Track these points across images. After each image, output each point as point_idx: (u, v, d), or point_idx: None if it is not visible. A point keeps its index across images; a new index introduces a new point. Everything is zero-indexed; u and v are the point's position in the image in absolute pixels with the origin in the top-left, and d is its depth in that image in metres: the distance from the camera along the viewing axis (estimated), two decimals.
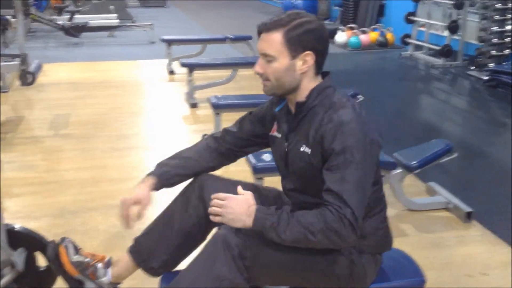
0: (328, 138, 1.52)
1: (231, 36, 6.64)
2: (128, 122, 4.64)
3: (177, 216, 1.81)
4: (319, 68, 1.63)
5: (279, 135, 1.73)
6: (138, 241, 1.84)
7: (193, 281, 1.53)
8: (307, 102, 1.61)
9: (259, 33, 1.60)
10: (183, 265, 1.88)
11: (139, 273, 1.86)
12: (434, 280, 2.35)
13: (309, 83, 1.61)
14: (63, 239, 1.81)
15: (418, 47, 7.74)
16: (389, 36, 8.39)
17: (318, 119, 1.57)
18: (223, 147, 1.87)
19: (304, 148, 1.60)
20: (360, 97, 4.08)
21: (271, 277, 1.60)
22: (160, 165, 1.85)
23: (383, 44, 8.35)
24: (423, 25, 7.74)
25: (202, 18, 11.58)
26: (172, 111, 4.99)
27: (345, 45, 8.42)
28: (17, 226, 2.03)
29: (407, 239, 2.72)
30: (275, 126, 1.76)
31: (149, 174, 1.82)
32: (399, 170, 2.90)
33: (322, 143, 1.53)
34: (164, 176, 1.81)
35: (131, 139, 4.21)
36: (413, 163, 2.88)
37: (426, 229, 2.84)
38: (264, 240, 1.54)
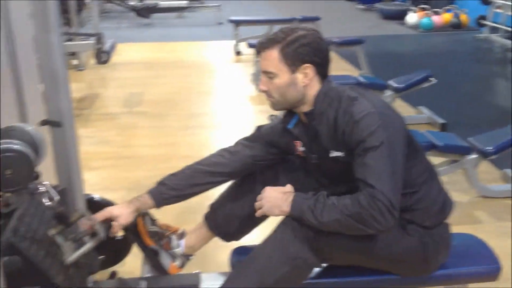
0: (347, 131, 1.54)
1: (298, 17, 6.59)
2: (198, 101, 4.74)
3: (248, 184, 1.86)
4: (323, 76, 1.63)
5: (304, 149, 1.74)
6: (213, 207, 1.92)
7: (267, 259, 1.57)
8: (315, 109, 1.63)
9: (258, 52, 1.64)
10: (251, 237, 1.93)
11: (210, 246, 1.92)
12: (508, 269, 2.27)
13: (314, 93, 1.63)
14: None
15: (494, 29, 7.39)
16: (463, 17, 8.06)
17: (332, 120, 1.59)
18: (238, 162, 1.85)
19: (333, 154, 1.62)
20: (433, 80, 3.97)
21: (344, 257, 1.62)
22: (160, 183, 1.86)
23: (456, 26, 8.03)
24: (500, 6, 7.38)
25: None
26: (239, 92, 5.04)
27: (416, 26, 8.17)
28: (96, 196, 2.13)
29: (481, 226, 2.64)
30: (297, 144, 1.76)
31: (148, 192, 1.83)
32: (474, 156, 2.82)
33: (345, 138, 1.55)
34: (160, 196, 1.82)
35: (200, 118, 4.31)
36: (488, 148, 2.79)
37: (501, 217, 2.75)
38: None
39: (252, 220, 1.87)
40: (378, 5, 9.32)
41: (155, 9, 8.58)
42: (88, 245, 1.60)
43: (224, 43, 6.98)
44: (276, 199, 1.58)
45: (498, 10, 7.39)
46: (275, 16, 8.19)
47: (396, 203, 1.46)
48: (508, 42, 6.92)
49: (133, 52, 6.56)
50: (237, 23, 6.54)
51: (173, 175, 1.85)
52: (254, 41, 5.48)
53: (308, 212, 1.52)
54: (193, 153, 3.53)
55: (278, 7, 10.16)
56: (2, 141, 1.48)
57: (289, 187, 1.61)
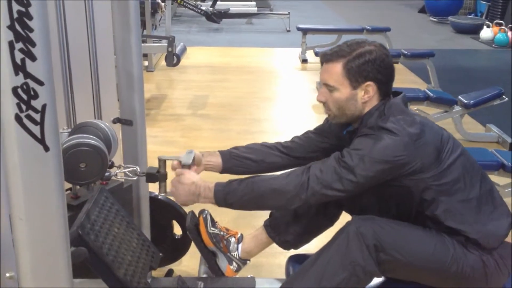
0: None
1: (368, 27, 6.53)
2: (261, 107, 4.79)
3: None
4: (384, 95, 1.62)
5: None
6: (274, 215, 1.92)
7: (326, 264, 1.57)
8: (358, 129, 1.63)
9: (322, 63, 1.64)
10: (309, 246, 1.94)
11: (266, 253, 1.94)
12: None
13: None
14: (202, 211, 1.92)
15: None
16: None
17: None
18: (291, 150, 1.88)
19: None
20: (505, 98, 3.83)
21: (404, 272, 1.60)
22: (232, 148, 1.90)
23: (503, 44, 7.72)
24: None
25: (340, 7, 11.47)
26: (303, 99, 5.05)
27: (490, 42, 7.90)
28: (160, 195, 2.20)
29: None
30: None
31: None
32: None
33: None
34: (229, 154, 1.83)
35: (263, 124, 4.35)
36: None
37: None
38: (401, 235, 1.56)
39: (313, 230, 1.89)
40: (451, 18, 9.06)
41: (225, 15, 8.73)
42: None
43: (291, 51, 7.01)
44: (187, 191, 1.61)
45: None
46: (344, 26, 8.14)
47: (316, 190, 1.51)
48: None
49: (201, 56, 6.71)
50: (305, 31, 6.55)
51: (243, 146, 1.89)
52: (320, 50, 5.47)
53: (231, 190, 1.57)
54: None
55: (346, 16, 10.09)
56: (78, 135, 1.57)
57: (192, 175, 1.64)
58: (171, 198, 1.79)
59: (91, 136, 1.56)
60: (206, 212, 1.92)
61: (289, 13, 8.83)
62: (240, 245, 1.92)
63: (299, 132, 4.57)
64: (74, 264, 1.20)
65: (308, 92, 5.30)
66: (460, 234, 1.58)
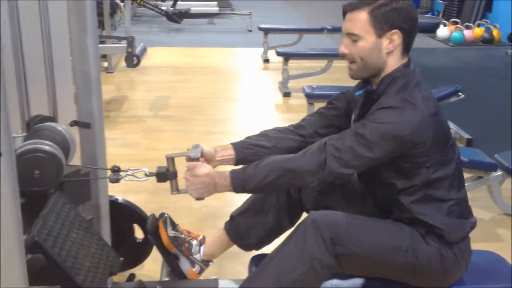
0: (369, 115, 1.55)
1: (328, 27, 6.59)
2: (224, 107, 4.78)
3: (273, 197, 1.85)
4: (407, 48, 1.60)
5: (353, 118, 1.73)
6: (234, 219, 1.90)
7: (284, 260, 1.57)
8: (377, 90, 1.60)
9: (344, 13, 1.60)
10: (273, 246, 1.94)
11: (228, 253, 1.94)
12: None
13: (393, 65, 1.59)
14: (162, 214, 1.90)
15: None
16: (495, 32, 7.96)
17: (378, 104, 1.57)
18: (304, 131, 1.83)
19: (353, 124, 1.62)
20: (461, 95, 3.93)
21: (361, 266, 1.62)
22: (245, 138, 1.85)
23: (488, 41, 7.93)
24: None
25: (301, 7, 11.55)
26: (265, 99, 5.07)
27: (447, 40, 8.10)
28: (120, 198, 2.17)
29: (503, 245, 2.60)
30: (352, 112, 1.75)
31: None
32: (499, 173, 2.78)
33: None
34: (241, 145, 1.78)
35: (225, 124, 4.35)
36: None
37: None
38: (357, 227, 1.57)
39: (276, 231, 1.88)
40: None
41: (186, 15, 8.67)
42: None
43: (252, 50, 7.02)
44: (202, 183, 1.60)
45: None
46: (304, 25, 8.21)
47: (333, 168, 1.51)
48: None
49: (162, 56, 6.65)
50: (266, 31, 6.58)
51: (255, 134, 1.85)
52: (282, 49, 5.51)
53: (248, 176, 1.56)
54: None
55: (307, 16, 10.17)
56: (32, 141, 1.53)
57: (205, 167, 1.62)
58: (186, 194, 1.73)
59: (47, 142, 1.52)
60: (166, 215, 1.90)
61: (250, 13, 8.85)
62: (202, 247, 1.91)
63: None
64: (30, 272, 1.17)
65: (270, 91, 5.32)
66: (424, 224, 1.59)
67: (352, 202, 1.81)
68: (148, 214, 1.97)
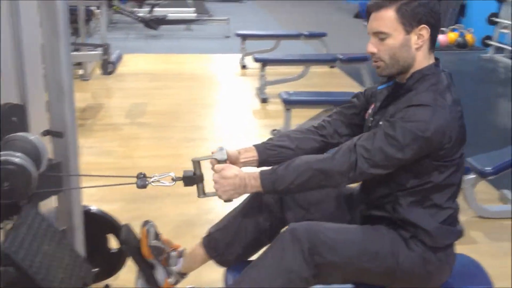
0: (397, 111, 1.54)
1: (305, 33, 6.64)
2: (202, 113, 4.77)
3: (253, 214, 1.83)
4: (433, 43, 1.60)
5: (370, 112, 1.72)
6: (213, 236, 1.86)
7: (261, 272, 1.57)
8: (406, 84, 1.60)
9: (369, 13, 1.59)
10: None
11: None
12: None
13: (422, 61, 1.59)
14: (146, 222, 1.87)
15: (499, 50, 7.42)
16: (469, 37, 8.09)
17: (405, 100, 1.56)
18: (325, 131, 1.82)
19: (382, 121, 1.60)
20: None
21: (340, 274, 1.61)
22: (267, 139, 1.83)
23: (462, 45, 8.06)
24: (506, 27, 7.41)
25: (278, 13, 11.62)
26: (243, 105, 5.08)
27: None
28: (94, 208, 2.15)
29: (477, 247, 2.64)
30: (371, 106, 1.74)
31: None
32: (472, 176, 2.82)
33: (393, 116, 1.55)
34: (263, 146, 1.77)
35: (203, 131, 4.34)
36: (487, 169, 2.80)
37: (497, 237, 2.76)
38: (335, 236, 1.57)
39: (254, 248, 1.85)
40: None
41: (163, 21, 8.64)
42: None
43: (230, 57, 7.03)
44: (232, 184, 1.59)
45: (503, 31, 7.42)
46: (282, 31, 8.24)
47: (363, 169, 1.51)
48: None
49: (139, 63, 6.62)
50: (244, 37, 6.59)
51: (276, 136, 1.83)
52: (259, 56, 5.52)
53: (278, 177, 1.56)
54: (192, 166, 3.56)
55: (285, 22, 10.23)
56: (2, 152, 1.50)
57: (232, 169, 1.61)
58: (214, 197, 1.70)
59: (17, 154, 1.49)
60: (151, 223, 1.87)
61: (228, 19, 8.86)
62: (181, 260, 1.89)
63: (241, 139, 4.61)
64: (2, 284, 1.15)
65: (248, 97, 5.33)
66: (413, 227, 1.60)
67: (337, 215, 1.81)
68: (125, 223, 1.95)
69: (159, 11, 9.01)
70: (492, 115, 5.18)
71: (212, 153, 1.69)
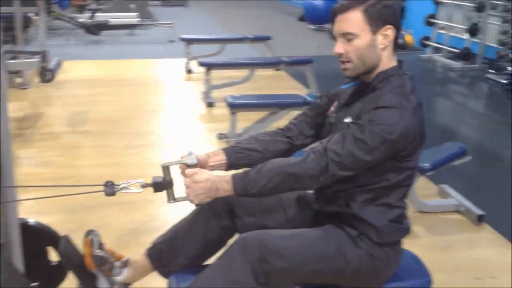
0: (364, 113, 1.57)
1: (250, 36, 6.67)
2: (146, 120, 4.71)
3: (201, 225, 1.80)
4: (396, 44, 1.65)
5: (333, 109, 1.76)
6: (157, 246, 1.83)
7: (208, 283, 1.56)
8: (371, 83, 1.64)
9: (334, 15, 1.63)
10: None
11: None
12: (443, 282, 2.35)
13: (386, 61, 1.63)
14: (90, 231, 1.82)
15: (437, 50, 7.69)
16: (408, 38, 8.34)
17: (370, 99, 1.60)
18: (291, 133, 1.85)
19: (347, 120, 1.63)
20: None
21: (291, 279, 1.62)
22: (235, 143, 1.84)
23: (401, 46, 8.30)
24: (443, 28, 7.69)
25: (223, 17, 11.64)
26: (189, 110, 5.04)
27: None
28: (31, 220, 2.07)
29: (418, 241, 2.72)
30: (334, 103, 1.78)
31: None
32: None
33: (360, 118, 1.57)
34: (232, 149, 1.77)
35: (148, 137, 4.27)
36: (425, 165, 2.87)
37: (437, 231, 2.84)
38: (283, 243, 1.58)
39: (201, 259, 1.83)
40: (328, 26, 9.53)
41: (105, 26, 8.49)
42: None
43: (175, 61, 6.98)
44: (203, 188, 1.57)
45: (441, 31, 7.69)
46: (226, 35, 8.25)
47: (329, 177, 1.54)
48: (450, 62, 7.20)
49: (80, 70, 6.47)
50: (189, 41, 6.56)
51: (244, 139, 1.83)
52: (204, 60, 5.50)
53: (250, 180, 1.55)
54: (138, 173, 3.47)
55: (230, 26, 10.24)
56: None
57: (203, 173, 1.60)
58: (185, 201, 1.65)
59: None
60: (95, 233, 1.82)
61: (172, 23, 8.79)
62: (124, 270, 1.85)
63: (187, 143, 4.57)
64: None
65: (194, 102, 5.29)
66: (363, 225, 1.62)
67: (288, 219, 1.82)
68: (64, 234, 1.89)
69: (100, 17, 8.84)
70: (431, 114, 5.35)
71: (182, 158, 1.68)
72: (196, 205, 1.62)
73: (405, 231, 1.71)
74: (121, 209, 2.99)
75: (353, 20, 1.58)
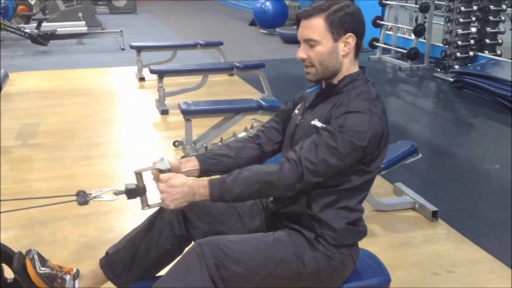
0: (333, 118, 1.60)
1: (201, 42, 6.64)
2: (99, 130, 4.61)
3: (154, 235, 1.78)
4: (357, 51, 1.69)
5: (297, 112, 1.79)
6: (111, 256, 1.81)
7: None
8: (337, 86, 1.67)
9: (299, 20, 1.66)
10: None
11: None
12: (402, 278, 2.40)
13: (349, 67, 1.68)
14: (29, 251, 1.79)
15: (386, 50, 7.87)
16: None
17: (337, 102, 1.64)
18: (260, 140, 1.88)
19: (315, 122, 1.66)
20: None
21: (249, 284, 1.62)
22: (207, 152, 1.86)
23: None
24: (390, 29, 7.88)
25: (173, 24, 11.55)
26: (143, 118, 4.97)
27: None
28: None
29: (375, 239, 2.77)
30: (298, 106, 1.83)
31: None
32: None
33: (329, 122, 1.61)
34: (204, 156, 1.78)
35: (101, 147, 4.19)
36: None
37: (394, 229, 2.90)
38: (239, 248, 1.59)
39: (155, 269, 1.82)
40: (279, 30, 9.60)
41: (52, 36, 8.28)
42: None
43: (126, 69, 6.88)
44: (181, 192, 1.56)
45: (388, 32, 7.88)
46: (178, 42, 8.20)
47: (306, 183, 1.57)
48: (398, 62, 7.38)
49: (28, 81, 6.28)
50: (139, 49, 6.47)
51: (217, 146, 1.86)
52: (156, 67, 5.44)
53: (227, 187, 1.56)
54: (92, 184, 3.43)
55: (181, 33, 10.18)
56: None
57: (179, 177, 1.59)
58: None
59: None
60: (33, 252, 1.78)
61: (121, 31, 8.67)
62: (76, 282, 1.81)
63: (142, 152, 4.49)
64: None
65: (147, 110, 5.23)
66: (321, 227, 1.64)
67: (243, 224, 1.83)
68: (23, 250, 1.84)
69: (47, 26, 8.62)
70: None
71: (154, 163, 1.66)
72: (172, 209, 1.61)
73: (362, 233, 1.75)
74: (74, 223, 2.92)
75: (315, 27, 1.62)
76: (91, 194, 1.67)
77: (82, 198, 1.66)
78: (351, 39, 1.64)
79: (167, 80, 5.30)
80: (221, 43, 6.79)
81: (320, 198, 1.65)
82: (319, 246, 1.65)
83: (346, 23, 1.62)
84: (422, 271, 2.51)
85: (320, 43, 1.62)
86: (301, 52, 1.66)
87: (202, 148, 3.89)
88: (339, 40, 1.63)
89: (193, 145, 3.96)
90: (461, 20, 6.40)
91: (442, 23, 6.83)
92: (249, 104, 4.13)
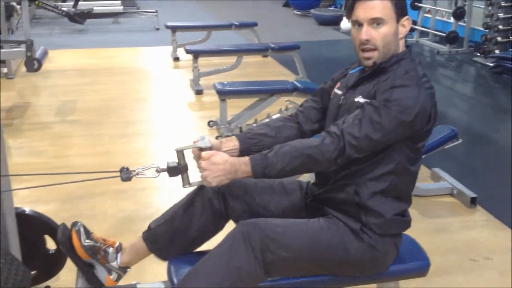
0: (379, 93, 1.58)
1: (236, 23, 6.62)
2: (135, 108, 4.67)
3: (196, 210, 1.80)
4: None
5: (340, 92, 1.77)
6: (154, 230, 1.83)
7: (211, 272, 1.55)
8: (383, 65, 1.64)
9: (356, 1, 1.63)
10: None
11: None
12: (439, 264, 2.38)
13: (397, 49, 1.66)
14: (75, 223, 1.82)
15: (423, 34, 7.71)
16: None
17: (382, 79, 1.62)
18: (299, 119, 1.87)
19: (358, 98, 1.64)
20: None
21: (292, 268, 1.63)
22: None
23: None
24: (429, 11, 7.70)
25: (208, 4, 11.53)
26: (178, 98, 5.01)
27: (350, 32, 8.39)
28: (27, 209, 2.06)
29: (413, 224, 2.66)
30: (337, 85, 1.80)
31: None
32: None
33: (374, 97, 1.59)
34: (244, 135, 1.78)
35: (137, 125, 4.24)
36: None
37: (431, 214, 2.87)
38: (284, 231, 1.59)
39: (197, 243, 1.83)
40: (313, 11, 9.50)
41: (89, 15, 8.37)
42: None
43: (161, 49, 6.91)
44: (222, 170, 1.57)
45: (427, 15, 7.71)
46: (212, 22, 8.19)
47: (346, 157, 1.55)
48: (437, 45, 7.23)
49: (66, 59, 6.38)
50: (174, 29, 6.49)
51: (256, 125, 1.85)
52: (191, 47, 5.45)
53: (269, 163, 1.56)
54: (128, 161, 3.47)
55: (215, 14, 10.16)
56: None
57: (221, 155, 1.60)
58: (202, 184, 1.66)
59: None
60: (79, 224, 1.81)
61: (156, 11, 8.70)
62: (119, 255, 1.84)
63: (177, 131, 4.54)
64: None
65: (182, 89, 5.26)
66: (366, 213, 1.63)
67: (282, 206, 1.82)
68: (61, 223, 1.88)
69: (84, 5, 8.70)
70: None
71: (194, 142, 1.68)
72: (214, 187, 1.63)
73: (407, 224, 1.74)
74: (112, 198, 2.97)
75: (384, 6, 1.60)
76: (134, 170, 1.70)
77: (126, 174, 1.69)
78: (407, 21, 1.63)
79: (201, 60, 5.31)
80: (255, 24, 6.76)
81: (370, 185, 1.63)
82: (364, 236, 1.64)
83: (405, 6, 1.63)
84: (459, 257, 2.48)
85: (387, 23, 1.60)
86: (365, 34, 1.61)
87: (237, 129, 3.90)
88: (399, 22, 1.62)
89: (228, 125, 3.97)
90: (502, 3, 6.21)
91: (483, 7, 6.64)
92: (284, 85, 4.11)
